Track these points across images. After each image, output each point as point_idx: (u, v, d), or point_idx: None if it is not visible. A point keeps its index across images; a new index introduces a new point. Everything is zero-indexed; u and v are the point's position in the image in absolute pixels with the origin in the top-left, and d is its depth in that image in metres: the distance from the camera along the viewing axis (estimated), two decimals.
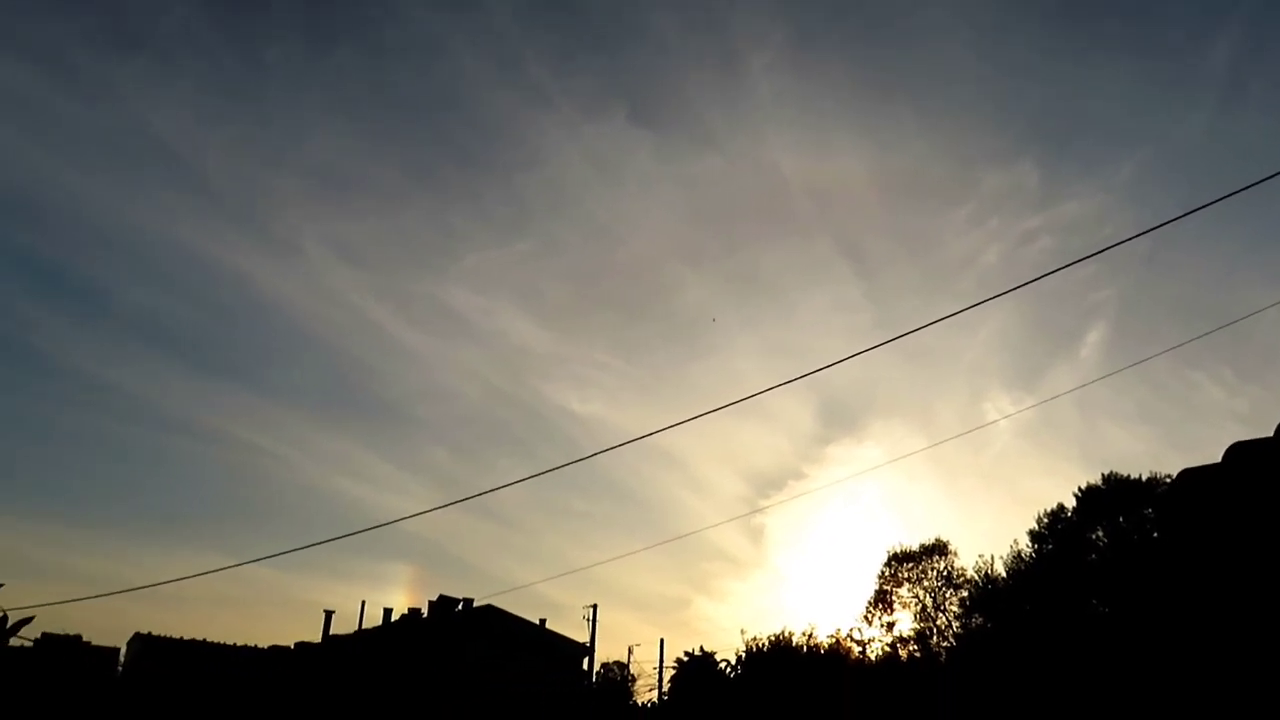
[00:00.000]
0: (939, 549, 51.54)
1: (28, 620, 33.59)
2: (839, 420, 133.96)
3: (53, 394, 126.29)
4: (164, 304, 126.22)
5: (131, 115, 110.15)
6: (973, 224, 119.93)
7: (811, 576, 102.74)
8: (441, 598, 60.16)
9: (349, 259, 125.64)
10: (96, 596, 44.16)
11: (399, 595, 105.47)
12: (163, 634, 75.63)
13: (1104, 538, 44.40)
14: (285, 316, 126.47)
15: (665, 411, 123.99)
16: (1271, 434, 28.48)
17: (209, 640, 76.60)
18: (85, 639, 76.66)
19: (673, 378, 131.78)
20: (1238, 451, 28.58)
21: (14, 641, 38.17)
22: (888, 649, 51.78)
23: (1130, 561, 38.74)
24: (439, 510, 61.73)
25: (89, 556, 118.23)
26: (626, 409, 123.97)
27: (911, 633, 51.22)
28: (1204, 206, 14.32)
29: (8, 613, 33.57)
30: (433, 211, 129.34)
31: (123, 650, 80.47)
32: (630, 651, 67.86)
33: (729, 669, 56.55)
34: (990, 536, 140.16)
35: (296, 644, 65.64)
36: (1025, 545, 46.88)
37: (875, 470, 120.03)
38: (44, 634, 68.17)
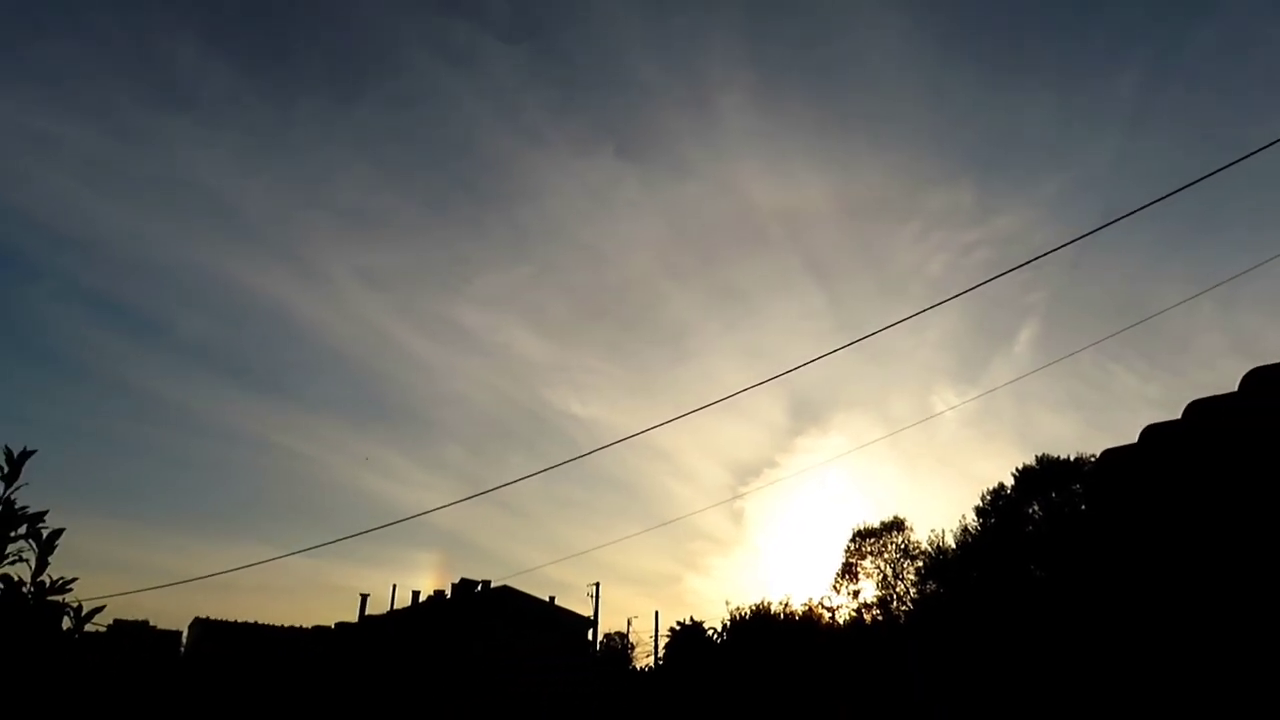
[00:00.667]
0: (897, 525, 51.63)
1: (99, 609, 33.14)
2: (807, 414, 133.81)
3: (126, 411, 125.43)
4: (216, 330, 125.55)
5: (182, 165, 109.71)
6: (919, 239, 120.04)
7: (786, 553, 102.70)
8: (463, 580, 60.12)
9: (373, 285, 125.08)
10: (160, 586, 43.94)
11: (425, 579, 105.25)
12: (220, 618, 75.12)
13: (1039, 511, 44.54)
14: (319, 337, 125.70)
15: (655, 411, 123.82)
16: (1180, 416, 28.70)
17: (260, 623, 76.55)
18: (152, 624, 76.52)
19: (661, 380, 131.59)
20: (1151, 433, 28.74)
21: (89, 628, 37.75)
22: (854, 614, 51.75)
23: (1062, 531, 38.83)
24: (459, 504, 61.32)
25: (157, 551, 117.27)
26: (621, 410, 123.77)
27: (874, 599, 51.20)
28: (1119, 219, 14.45)
29: (83, 603, 33.38)
30: (446, 241, 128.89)
31: (184, 633, 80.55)
32: (629, 623, 67.86)
33: (716, 636, 56.14)
34: (942, 513, 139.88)
35: (337, 624, 65.48)
36: (972, 520, 46.97)
37: (840, 458, 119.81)
38: (115, 620, 67.69)
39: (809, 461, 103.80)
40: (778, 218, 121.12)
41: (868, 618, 50.88)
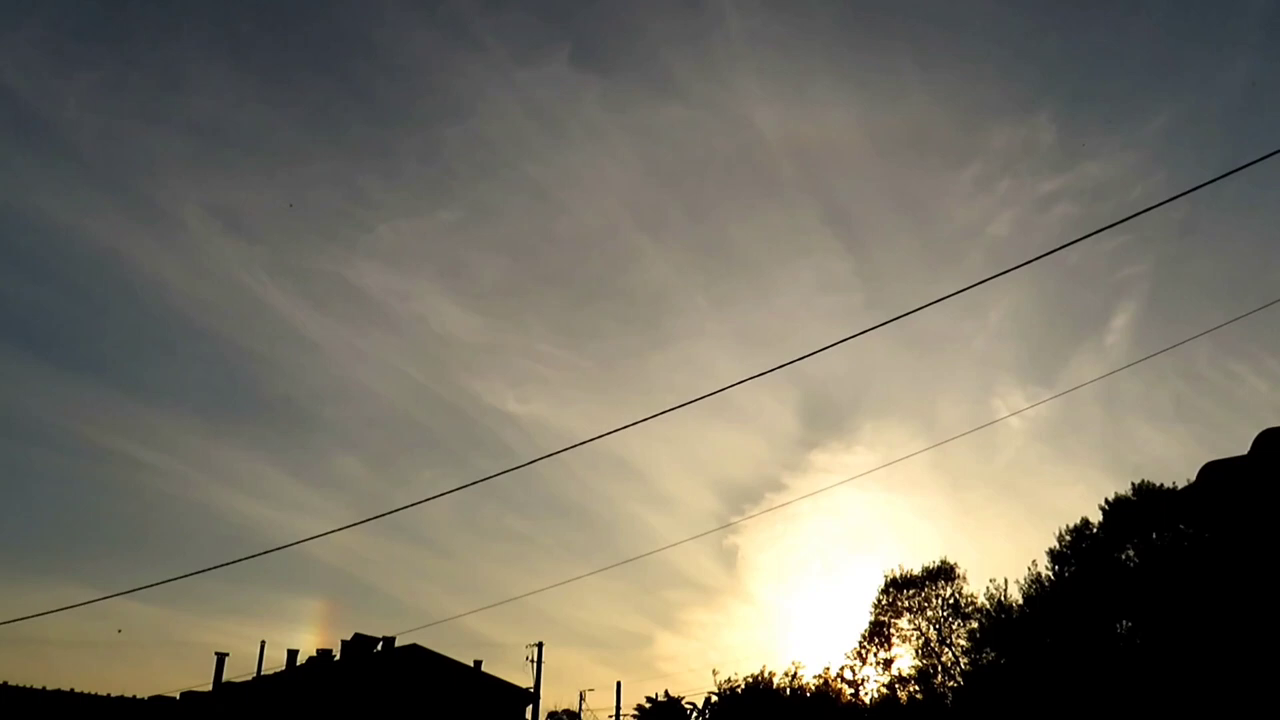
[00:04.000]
0: (944, 573, 52.01)
1: None
2: (825, 421, 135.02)
3: None
4: (12, 285, 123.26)
5: None
6: (980, 188, 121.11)
7: (795, 606, 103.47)
8: (357, 636, 60.09)
9: (238, 231, 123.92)
10: None
11: (306, 634, 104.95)
12: (21, 684, 74.12)
13: (1135, 557, 44.95)
14: (162, 300, 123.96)
15: (620, 412, 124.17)
16: None
17: (79, 691, 75.73)
18: None
19: (629, 372, 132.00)
20: (1268, 439, 29.22)
21: None
22: (885, 690, 52.18)
23: (1163, 579, 39.22)
24: (350, 531, 60.93)
25: None
26: (574, 409, 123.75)
27: (913, 670, 51.64)
28: (1249, 165, 14.39)
29: None
30: (337, 174, 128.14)
31: None
32: (582, 697, 67.36)
33: (699, 715, 56.92)
34: (1004, 557, 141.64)
35: (183, 693, 64.88)
36: (1045, 567, 47.34)
37: (868, 480, 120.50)
38: None
39: (826, 484, 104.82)
40: (790, 153, 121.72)
41: (903, 695, 51.33)
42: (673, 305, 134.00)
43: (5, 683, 74.17)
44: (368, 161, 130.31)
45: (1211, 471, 33.23)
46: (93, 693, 74.90)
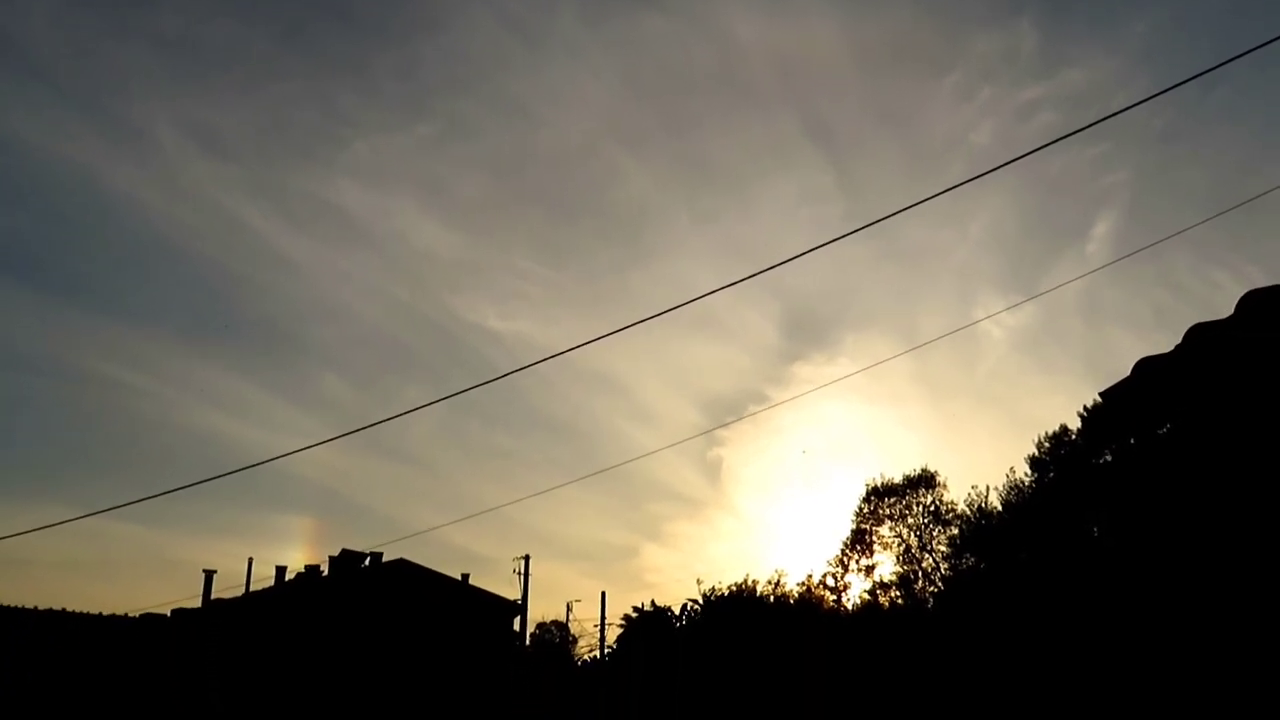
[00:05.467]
0: (925, 481, 53.27)
1: None
2: (806, 333, 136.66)
3: None
4: None
5: None
6: (961, 97, 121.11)
7: (778, 516, 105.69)
8: (344, 552, 61.19)
9: (213, 149, 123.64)
10: None
11: (294, 551, 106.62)
12: (10, 604, 75.53)
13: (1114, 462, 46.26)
14: (138, 220, 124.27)
15: (603, 328, 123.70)
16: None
17: (68, 609, 77.21)
18: None
19: (612, 288, 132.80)
20: (1197, 334, 30.71)
21: None
22: (867, 596, 53.77)
23: (1131, 482, 40.51)
24: (335, 449, 62.78)
25: None
26: (556, 325, 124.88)
27: (894, 577, 53.17)
28: (1234, 59, 14.94)
29: None
30: (312, 88, 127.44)
31: None
32: (569, 608, 69.67)
33: (683, 623, 58.55)
34: (984, 466, 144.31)
35: (173, 611, 65.94)
36: (1024, 474, 48.58)
37: (850, 392, 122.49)
38: None
39: (809, 395, 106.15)
40: (770, 63, 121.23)
41: (885, 600, 52.95)
42: (654, 221, 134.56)
43: None
44: (344, 78, 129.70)
45: (1144, 366, 34.85)
46: (84, 611, 76.64)
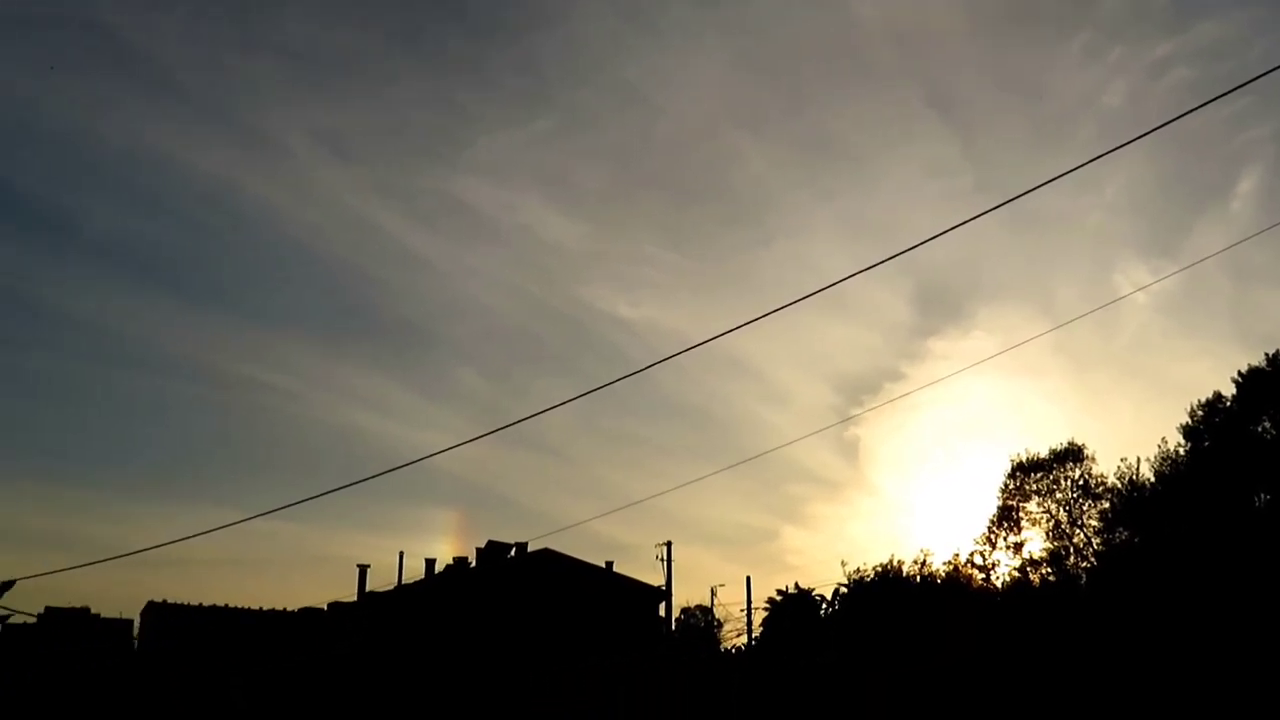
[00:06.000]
0: (1072, 454, 52.09)
1: (8, 585, 33.33)
2: (940, 307, 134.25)
3: (30, 339, 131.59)
4: (137, 225, 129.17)
5: (72, 3, 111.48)
6: (1090, 57, 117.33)
7: (920, 495, 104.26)
8: (490, 543, 62.66)
9: (341, 153, 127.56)
10: (94, 563, 46.73)
11: (442, 544, 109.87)
12: (179, 601, 79.46)
13: (1272, 429, 44.82)
14: (274, 227, 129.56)
15: (729, 310, 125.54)
16: None
17: (231, 605, 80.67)
18: (94, 611, 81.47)
19: (736, 269, 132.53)
20: None
21: (15, 617, 39.42)
22: (1016, 573, 52.90)
23: None
24: (474, 444, 63.86)
25: (87, 518, 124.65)
26: (683, 310, 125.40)
27: (1044, 553, 52.15)
28: None
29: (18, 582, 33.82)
30: (432, 89, 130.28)
31: (136, 621, 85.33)
32: (714, 593, 69.41)
33: (828, 606, 59.15)
34: (1131, 437, 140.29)
35: (330, 605, 69.02)
36: (1176, 443, 47.36)
37: (987, 365, 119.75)
38: (47, 608, 72.71)
39: (945, 371, 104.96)
40: (888, 35, 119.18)
41: (1035, 577, 52.05)
42: (776, 201, 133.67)
43: (165, 601, 79.97)
44: (463, 76, 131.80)
45: None
46: (247, 607, 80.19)
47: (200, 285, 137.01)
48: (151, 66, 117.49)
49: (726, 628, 69.48)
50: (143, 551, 63.35)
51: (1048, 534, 52.03)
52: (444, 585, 62.45)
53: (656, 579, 59.70)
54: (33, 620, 58.84)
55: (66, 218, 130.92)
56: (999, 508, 53.37)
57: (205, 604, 79.37)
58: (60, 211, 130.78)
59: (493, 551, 62.40)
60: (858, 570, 56.76)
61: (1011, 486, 52.98)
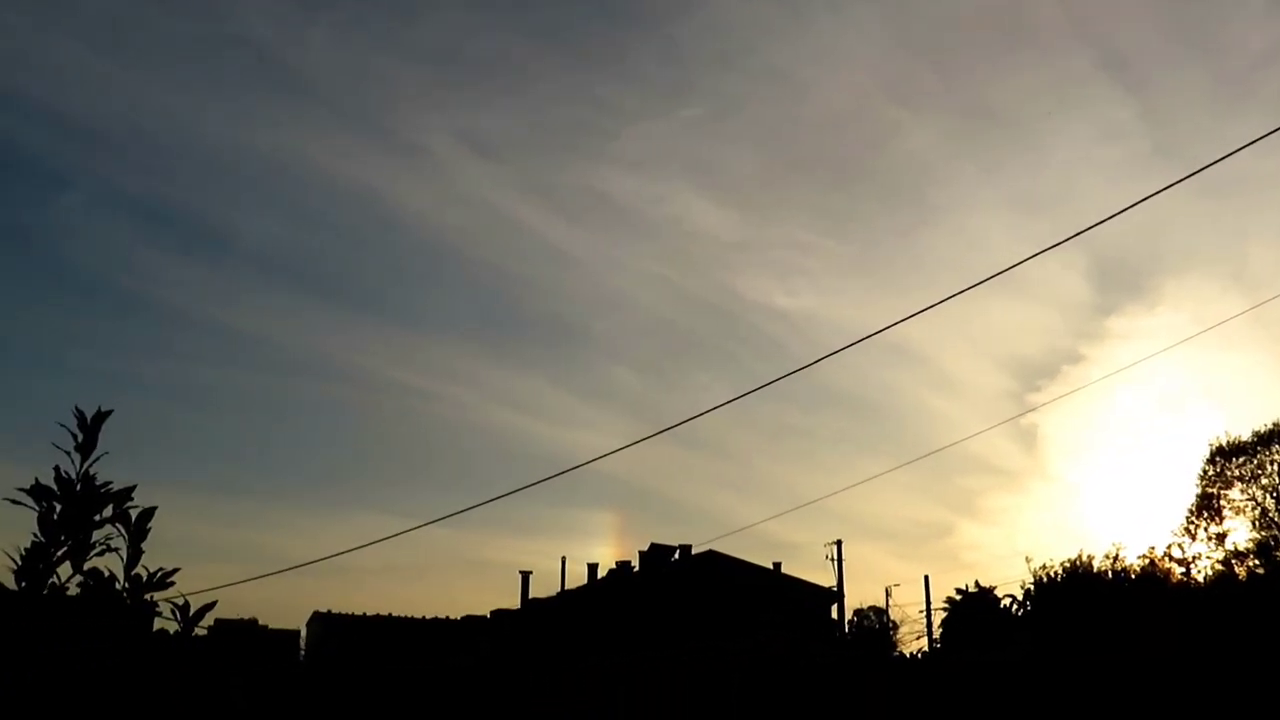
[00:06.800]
0: (1278, 436, 49.17)
1: (210, 606, 34.68)
2: (1120, 283, 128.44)
3: (190, 350, 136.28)
4: (289, 235, 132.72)
5: (224, 18, 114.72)
6: (1275, 5, 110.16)
7: (1106, 484, 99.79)
8: (653, 546, 61.97)
9: (485, 153, 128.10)
10: (265, 575, 47.38)
11: (604, 547, 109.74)
12: (343, 611, 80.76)
13: None
14: (420, 230, 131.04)
15: (892, 295, 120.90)
16: None
17: (395, 615, 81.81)
18: (261, 623, 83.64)
19: (897, 252, 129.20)
20: None
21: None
22: (1220, 566, 50.02)
23: None
24: (638, 445, 63.21)
25: (251, 529, 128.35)
26: (843, 297, 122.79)
27: (1250, 544, 49.25)
28: None
29: (188, 598, 35.24)
30: (573, 83, 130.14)
31: (303, 632, 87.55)
32: (888, 593, 67.55)
33: (1015, 606, 56.51)
34: None
35: (493, 612, 69.09)
36: None
37: (1178, 343, 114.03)
38: (218, 620, 74.58)
39: (1129, 351, 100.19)
40: None
41: (1241, 571, 49.10)
42: (936, 177, 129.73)
43: (330, 611, 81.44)
44: (601, 67, 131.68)
45: None
46: (410, 615, 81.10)
47: (351, 291, 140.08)
48: (296, 77, 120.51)
49: (903, 629, 67.71)
50: (309, 564, 64.09)
51: (1254, 523, 49.21)
52: (607, 590, 62.12)
53: (827, 579, 58.42)
54: (204, 634, 60.32)
55: (227, 231, 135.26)
56: (1198, 496, 50.69)
57: (369, 613, 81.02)
58: (220, 226, 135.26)
59: (656, 555, 61.72)
60: (1043, 566, 53.84)
61: (1211, 473, 50.27)
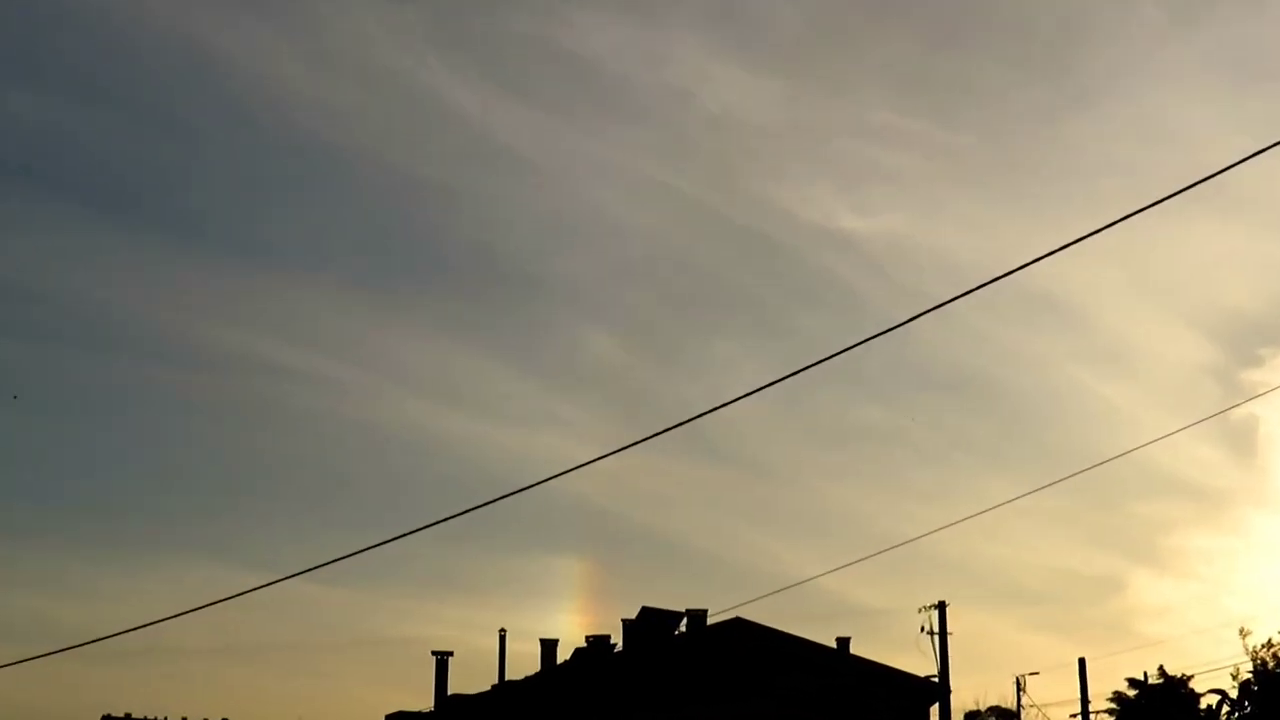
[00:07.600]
0: None
1: None
2: None
3: None
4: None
5: None
6: None
7: None
8: (645, 612, 48.73)
9: None
10: (22, 661, 27.20)
11: (567, 614, 79.48)
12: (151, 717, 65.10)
13: None
14: (270, 101, 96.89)
15: (1025, 214, 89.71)
16: None
17: None
18: None
19: (1033, 145, 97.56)
20: None
21: None
22: None
23: None
24: (614, 455, 44.75)
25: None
26: (947, 214, 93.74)
27: None
28: None
29: None
30: None
31: None
32: (1020, 684, 54.87)
33: (1224, 707, 48.37)
34: None
35: (390, 716, 55.20)
36: None
37: None
38: None
39: None
40: None
41: None
42: (1096, 31, 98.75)
43: (128, 716, 65.74)
44: None
45: None
46: None
47: (155, 207, 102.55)
48: None
49: None
50: (95, 642, 41.21)
51: None
52: (572, 681, 48.11)
53: (923, 665, 47.64)
54: None
55: None
56: None
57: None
58: None
59: (650, 625, 48.10)
60: (1268, 644, 46.38)
61: None
